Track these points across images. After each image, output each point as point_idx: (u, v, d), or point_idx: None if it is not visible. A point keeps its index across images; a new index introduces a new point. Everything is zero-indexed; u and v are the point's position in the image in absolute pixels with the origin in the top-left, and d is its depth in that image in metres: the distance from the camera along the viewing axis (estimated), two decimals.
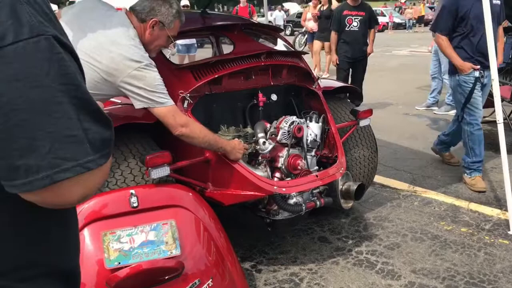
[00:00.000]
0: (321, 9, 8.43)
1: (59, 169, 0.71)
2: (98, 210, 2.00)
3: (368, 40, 6.11)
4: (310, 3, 9.94)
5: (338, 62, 6.13)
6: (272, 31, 3.73)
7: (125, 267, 1.90)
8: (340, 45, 6.10)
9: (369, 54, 6.21)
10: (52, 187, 0.72)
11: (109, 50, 2.08)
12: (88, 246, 1.94)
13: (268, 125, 2.78)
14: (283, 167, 2.65)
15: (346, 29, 5.97)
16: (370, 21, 6.05)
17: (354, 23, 5.93)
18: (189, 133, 2.23)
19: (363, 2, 6.07)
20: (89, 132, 0.75)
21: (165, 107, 2.16)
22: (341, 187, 2.84)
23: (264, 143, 2.63)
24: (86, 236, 1.95)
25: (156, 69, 2.16)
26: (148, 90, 2.11)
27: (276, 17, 12.85)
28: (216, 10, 27.25)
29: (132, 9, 2.29)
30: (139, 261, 1.93)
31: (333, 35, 6.15)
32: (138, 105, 2.16)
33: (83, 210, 1.99)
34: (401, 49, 13.45)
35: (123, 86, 2.11)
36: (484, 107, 5.44)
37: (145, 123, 2.46)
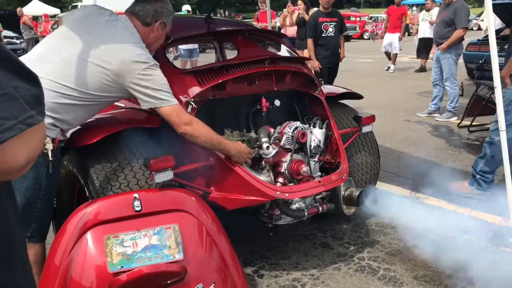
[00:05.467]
0: (299, 16, 8.46)
1: (0, 129, 0.68)
2: (102, 214, 2.00)
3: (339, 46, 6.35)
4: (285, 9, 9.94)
5: (320, 67, 6.17)
6: (276, 37, 3.75)
7: (128, 271, 1.90)
8: (318, 51, 6.19)
9: (342, 59, 6.44)
10: None
11: (118, 53, 2.13)
12: (91, 249, 1.94)
13: (272, 130, 2.79)
14: (286, 172, 2.65)
15: (323, 35, 6.12)
16: (342, 26, 6.30)
17: (330, 29, 6.11)
18: (193, 132, 2.26)
19: (334, 9, 6.30)
20: (19, 90, 0.72)
21: (170, 106, 2.21)
22: (343, 193, 2.84)
23: (267, 148, 2.63)
24: (89, 240, 1.95)
25: (160, 70, 2.22)
26: (156, 89, 2.17)
27: (277, 21, 12.79)
28: (218, 15, 27.33)
29: (133, 13, 2.33)
30: (142, 265, 1.93)
31: (310, 42, 6.25)
32: (145, 105, 2.21)
33: (87, 213, 1.99)
34: (402, 56, 13.47)
35: (132, 87, 2.16)
36: (485, 114, 5.49)
37: (149, 127, 2.47)
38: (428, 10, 10.14)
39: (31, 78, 0.77)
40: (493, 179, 3.82)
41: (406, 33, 12.23)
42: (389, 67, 11.65)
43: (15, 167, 0.74)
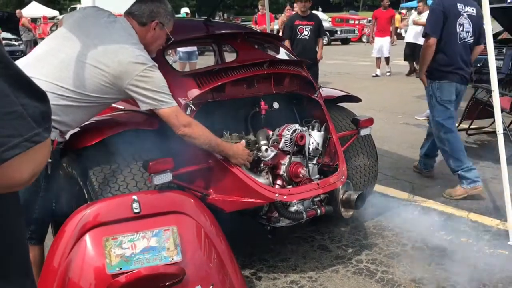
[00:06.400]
0: None
1: (6, 147, 0.70)
2: (100, 216, 2.01)
3: (317, 48, 6.61)
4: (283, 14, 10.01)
5: None
6: (275, 40, 3.76)
7: (127, 272, 1.90)
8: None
9: (319, 60, 6.66)
10: (0, 168, 0.69)
11: (116, 55, 2.12)
12: (89, 251, 1.94)
13: (271, 133, 2.80)
14: (285, 174, 2.66)
15: (297, 37, 6.36)
16: (319, 30, 6.54)
17: (305, 32, 6.36)
18: (191, 133, 2.27)
19: (312, 13, 6.59)
20: (28, 107, 0.74)
21: (169, 107, 2.21)
22: (341, 196, 2.85)
23: (266, 150, 2.64)
24: (88, 242, 1.95)
25: (159, 71, 2.21)
26: (155, 91, 2.16)
27: (276, 24, 12.64)
28: (217, 18, 27.36)
29: (130, 14, 2.33)
30: (140, 267, 1.93)
31: (286, 44, 6.48)
32: (144, 106, 2.21)
33: (85, 215, 2.00)
34: (400, 59, 13.50)
35: (130, 88, 2.15)
36: (483, 117, 5.50)
37: (148, 129, 2.48)
38: (420, 13, 10.10)
39: (40, 95, 0.78)
40: (472, 166, 3.87)
41: (395, 37, 11.84)
42: (376, 74, 11.30)
43: (19, 182, 0.77)
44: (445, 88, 3.84)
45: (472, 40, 3.87)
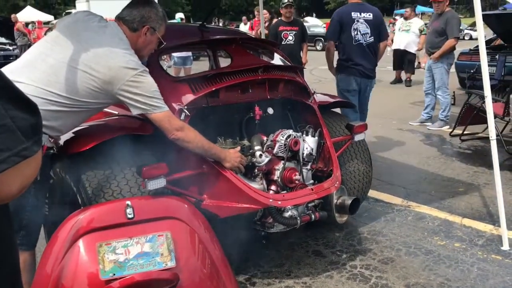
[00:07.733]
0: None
1: None
2: (94, 221, 2.00)
3: (301, 53, 6.72)
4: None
5: None
6: (269, 46, 3.78)
7: (120, 278, 1.89)
8: None
9: (304, 64, 6.75)
10: None
11: (106, 60, 2.10)
12: (83, 257, 1.93)
13: (265, 138, 2.80)
14: (279, 180, 2.66)
15: (282, 43, 6.43)
16: (303, 35, 6.69)
17: (290, 37, 6.48)
18: (184, 137, 2.27)
19: (295, 18, 6.73)
20: (16, 120, 0.72)
21: (161, 112, 2.20)
22: (336, 201, 2.86)
23: (260, 155, 2.65)
24: (81, 247, 1.94)
25: (150, 76, 2.19)
26: (146, 95, 2.15)
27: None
28: (213, 23, 27.43)
29: (121, 19, 2.31)
30: (134, 273, 1.92)
31: None
32: (135, 111, 2.19)
33: (79, 220, 1.98)
34: (391, 65, 13.56)
35: (121, 94, 2.14)
36: (476, 123, 5.55)
37: (142, 134, 2.48)
38: (406, 19, 10.04)
39: (30, 107, 0.77)
40: None
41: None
42: None
43: (8, 196, 0.75)
44: (344, 80, 4.65)
45: (372, 40, 4.57)
